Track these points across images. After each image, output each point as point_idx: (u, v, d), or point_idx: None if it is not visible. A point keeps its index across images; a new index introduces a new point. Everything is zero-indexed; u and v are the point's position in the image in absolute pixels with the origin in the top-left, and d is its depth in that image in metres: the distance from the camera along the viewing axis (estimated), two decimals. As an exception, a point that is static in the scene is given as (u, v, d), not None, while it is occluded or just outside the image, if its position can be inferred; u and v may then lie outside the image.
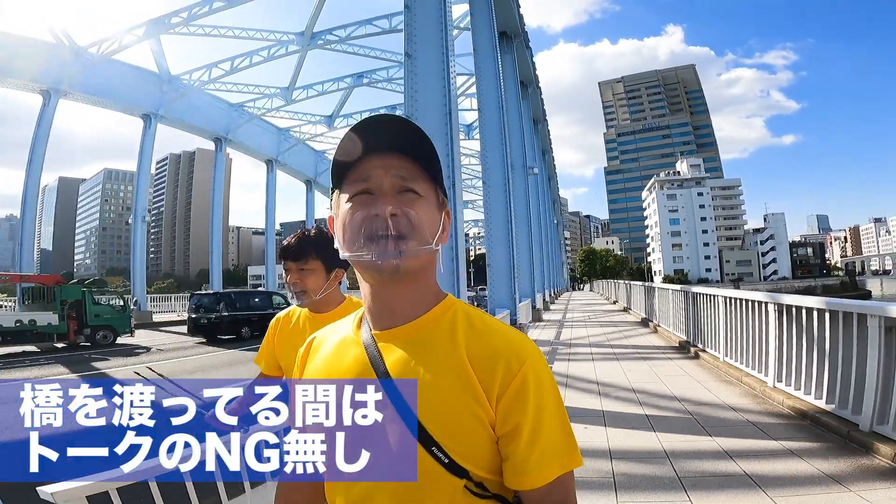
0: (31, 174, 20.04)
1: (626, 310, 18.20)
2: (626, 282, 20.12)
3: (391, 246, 0.74)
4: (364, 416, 0.77)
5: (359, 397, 0.78)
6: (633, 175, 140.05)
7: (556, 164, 48.05)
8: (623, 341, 10.18)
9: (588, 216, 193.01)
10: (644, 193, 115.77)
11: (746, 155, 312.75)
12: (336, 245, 0.81)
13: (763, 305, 5.22)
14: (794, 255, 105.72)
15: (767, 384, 5.02)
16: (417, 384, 0.76)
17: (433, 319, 0.80)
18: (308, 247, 1.75)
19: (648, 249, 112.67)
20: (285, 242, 1.80)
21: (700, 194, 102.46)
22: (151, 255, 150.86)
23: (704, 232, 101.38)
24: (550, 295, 27.59)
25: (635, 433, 4.22)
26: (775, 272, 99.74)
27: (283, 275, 1.84)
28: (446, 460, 0.74)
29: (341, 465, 0.79)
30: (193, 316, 15.41)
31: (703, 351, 7.41)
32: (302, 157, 36.83)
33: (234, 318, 14.99)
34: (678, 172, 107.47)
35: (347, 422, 0.78)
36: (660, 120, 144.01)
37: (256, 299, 16.80)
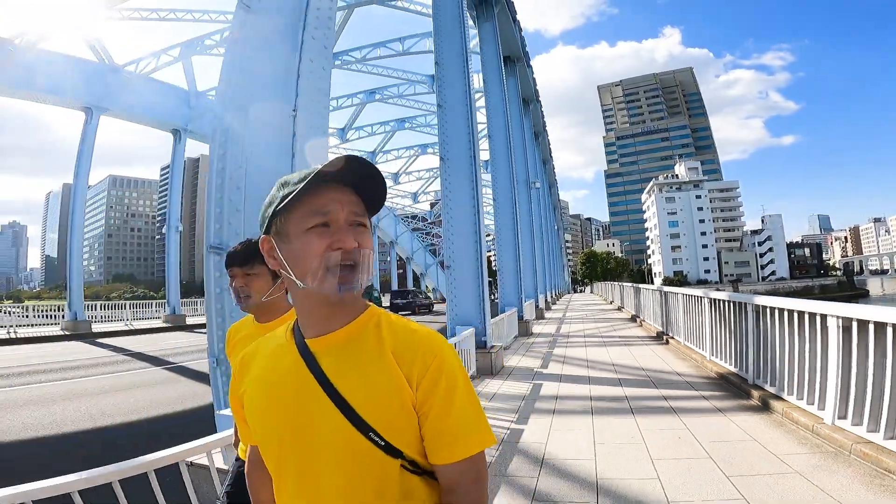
0: (79, 187, 21.94)
1: (619, 309, 20.11)
2: (620, 284, 22.04)
3: (351, 276, 0.84)
4: (306, 413, 0.86)
5: (300, 395, 0.88)
6: (633, 178, 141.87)
7: (557, 166, 49.99)
8: (612, 333, 12.12)
9: (589, 219, 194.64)
10: (643, 196, 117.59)
11: (746, 156, 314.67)
12: (282, 272, 0.89)
13: (701, 300, 7.17)
14: (792, 255, 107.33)
15: (706, 357, 6.95)
16: (349, 379, 0.86)
17: (360, 325, 0.90)
18: (255, 253, 1.74)
19: (649, 251, 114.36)
20: (231, 249, 1.82)
21: (698, 197, 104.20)
22: (158, 261, 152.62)
23: (703, 234, 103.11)
24: (552, 296, 29.51)
25: (608, 388, 6.16)
26: (773, 273, 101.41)
27: (230, 282, 1.84)
28: (382, 443, 0.84)
29: (288, 455, 0.89)
30: None
31: (672, 338, 9.33)
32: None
33: None
34: (676, 175, 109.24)
35: (292, 422, 0.88)
36: (658, 123, 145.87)
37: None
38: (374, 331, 0.90)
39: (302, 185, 0.83)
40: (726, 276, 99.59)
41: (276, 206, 0.86)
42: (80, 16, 18.80)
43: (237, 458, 1.85)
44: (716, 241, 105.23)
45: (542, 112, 32.90)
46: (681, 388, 5.95)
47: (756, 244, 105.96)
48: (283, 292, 1.80)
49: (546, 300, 22.94)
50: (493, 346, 7.73)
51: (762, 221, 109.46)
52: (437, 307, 34.87)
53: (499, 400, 5.87)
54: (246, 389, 0.96)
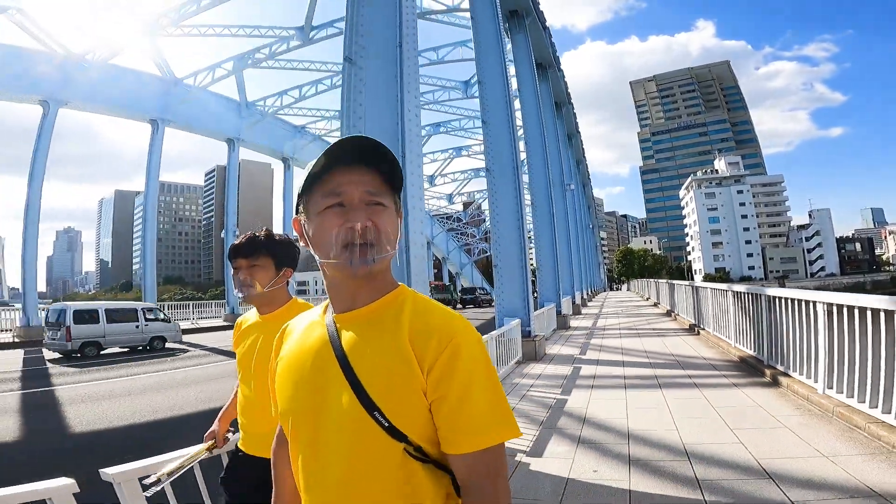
0: (150, 196, 23.97)
1: (655, 305, 20.65)
2: (656, 280, 22.51)
3: (364, 253, 0.86)
4: (322, 387, 0.89)
5: (319, 369, 0.90)
6: (670, 174, 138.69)
7: (589, 163, 50.27)
8: (647, 326, 12.90)
9: (625, 216, 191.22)
10: (682, 192, 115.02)
11: (792, 148, 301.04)
12: (310, 250, 0.92)
13: (726, 293, 7.97)
14: (842, 250, 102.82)
15: (731, 344, 7.75)
16: (364, 356, 0.86)
17: (385, 304, 0.90)
18: (258, 245, 1.82)
19: (688, 248, 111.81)
20: (236, 242, 1.86)
21: (740, 192, 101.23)
22: (205, 264, 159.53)
23: (746, 230, 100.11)
24: (588, 293, 30.10)
25: (640, 369, 7.10)
26: (822, 269, 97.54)
27: (234, 273, 1.88)
28: (386, 424, 0.82)
29: (301, 428, 0.91)
30: None
31: (703, 329, 10.09)
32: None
33: None
34: (716, 171, 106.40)
35: (309, 394, 0.90)
36: (695, 118, 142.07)
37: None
38: (397, 310, 0.89)
39: (315, 167, 0.88)
40: (772, 272, 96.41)
41: (300, 190, 0.92)
42: (147, 32, 20.32)
43: (235, 448, 1.94)
44: (760, 237, 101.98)
45: (574, 114, 33.50)
46: (705, 369, 6.82)
47: (803, 239, 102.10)
48: (284, 284, 1.88)
49: (582, 297, 23.64)
50: (536, 335, 8.75)
51: (810, 216, 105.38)
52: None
53: (544, 378, 6.90)
54: (279, 361, 1.00)
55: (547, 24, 22.30)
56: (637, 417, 4.77)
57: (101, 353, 13.30)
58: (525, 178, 21.80)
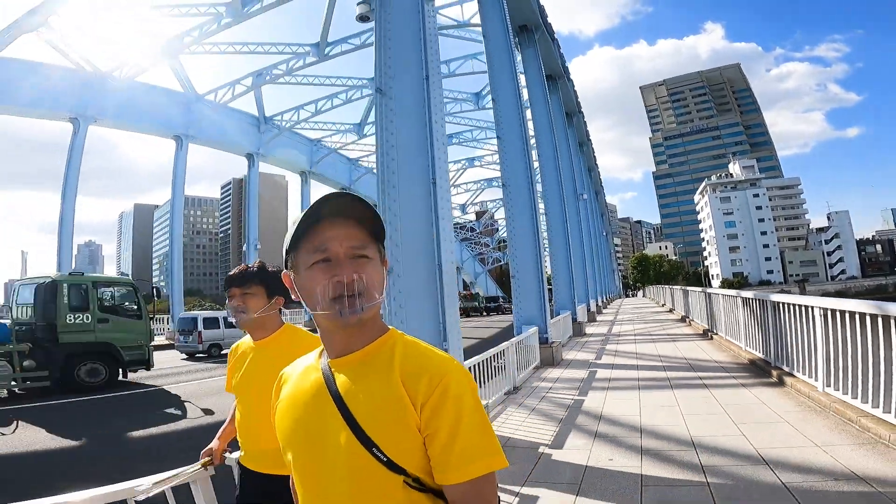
0: (175, 210, 24.68)
1: (671, 310, 20.84)
2: (671, 286, 22.69)
3: (353, 304, 0.91)
4: (321, 428, 0.94)
5: (316, 411, 0.95)
6: (684, 178, 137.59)
7: (602, 169, 50.47)
8: (661, 332, 13.20)
9: (639, 221, 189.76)
10: (696, 197, 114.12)
11: (808, 150, 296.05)
12: (302, 302, 0.97)
13: (735, 299, 8.32)
14: (863, 253, 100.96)
15: (742, 348, 8.10)
16: (359, 397, 0.92)
17: (377, 347, 0.96)
18: (251, 275, 1.98)
19: (705, 253, 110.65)
20: (230, 273, 2.02)
21: (756, 195, 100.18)
22: (222, 276, 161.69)
23: (763, 233, 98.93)
24: (603, 300, 30.30)
25: (653, 372, 7.49)
26: (843, 272, 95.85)
27: (227, 301, 1.99)
28: (385, 459, 0.88)
29: (302, 465, 0.97)
30: None
31: (716, 334, 10.40)
32: (370, 188, 40.96)
33: None
34: (730, 174, 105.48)
35: (308, 436, 0.96)
36: (708, 121, 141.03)
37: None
38: (388, 352, 0.95)
39: (300, 225, 0.93)
40: (791, 276, 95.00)
41: (286, 247, 0.96)
42: (171, 50, 20.93)
43: (238, 463, 2.04)
44: (778, 241, 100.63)
45: (584, 122, 33.92)
46: (715, 371, 7.19)
47: (823, 242, 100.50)
48: (277, 311, 2.01)
49: (597, 304, 23.90)
50: (553, 342, 9.17)
51: (828, 218, 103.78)
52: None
53: (561, 382, 7.33)
54: (278, 404, 1.05)
55: (555, 35, 22.82)
56: (649, 415, 5.19)
57: (221, 352, 15.76)
58: (538, 187, 22.30)
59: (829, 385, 4.91)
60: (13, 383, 9.42)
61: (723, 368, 7.33)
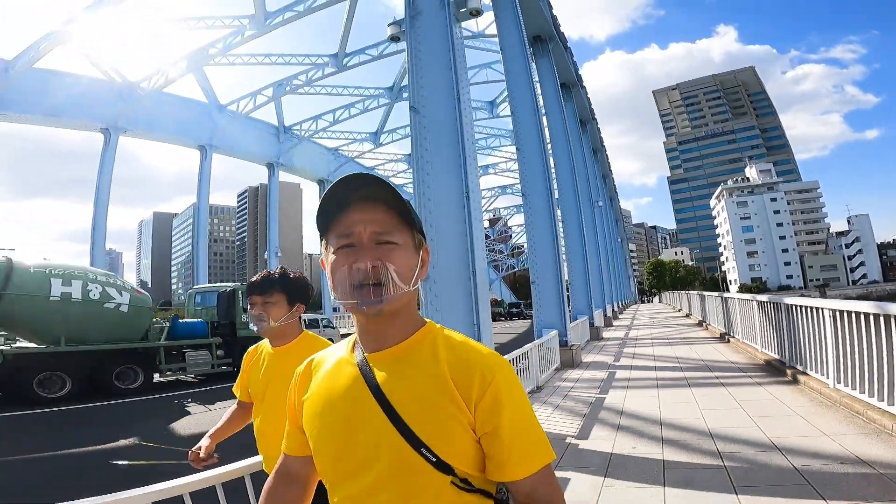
0: (201, 219, 25.51)
1: (687, 316, 20.96)
2: (687, 292, 22.79)
3: (372, 293, 0.87)
4: (361, 427, 0.89)
5: (354, 408, 0.91)
6: (700, 183, 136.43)
7: (616, 174, 50.61)
8: (677, 335, 13.44)
9: (654, 227, 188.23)
10: (712, 202, 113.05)
11: (827, 153, 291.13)
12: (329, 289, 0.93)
13: (751, 302, 8.60)
14: (884, 256, 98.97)
15: (758, 350, 8.36)
16: (403, 394, 0.88)
17: (416, 342, 0.92)
18: (272, 283, 1.97)
19: (722, 258, 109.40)
20: (252, 279, 2.00)
21: (773, 200, 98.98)
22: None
23: (782, 238, 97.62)
24: (619, 306, 30.41)
25: (671, 372, 7.81)
26: (864, 276, 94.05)
27: (249, 308, 2.02)
28: (434, 459, 0.85)
29: (340, 467, 0.92)
30: None
31: (733, 337, 10.64)
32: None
33: None
34: (747, 179, 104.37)
35: (347, 435, 0.91)
36: (723, 125, 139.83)
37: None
38: (431, 347, 0.92)
39: (322, 210, 0.91)
40: (811, 280, 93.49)
41: (320, 230, 0.94)
42: (197, 61, 21.43)
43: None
44: (797, 245, 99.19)
45: (598, 129, 34.21)
46: (731, 371, 7.49)
47: (843, 246, 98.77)
48: (296, 319, 2.01)
49: (613, 310, 24.08)
50: (572, 345, 9.52)
51: (848, 222, 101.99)
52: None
53: (582, 382, 7.68)
54: (307, 398, 1.00)
55: (568, 44, 23.19)
56: (668, 410, 5.53)
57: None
58: (554, 194, 22.64)
59: (839, 382, 5.21)
60: (211, 368, 12.82)
61: (739, 369, 7.62)
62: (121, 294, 11.43)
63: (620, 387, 7.09)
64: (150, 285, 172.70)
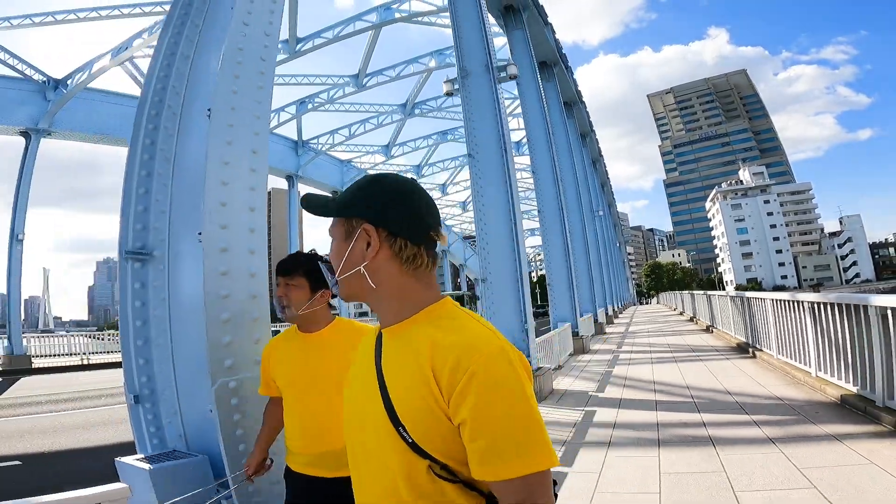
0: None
1: (681, 313, 23.11)
2: (680, 292, 24.95)
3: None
4: (365, 399, 0.93)
5: (365, 381, 0.94)
6: (695, 186, 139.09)
7: (612, 178, 52.72)
8: (670, 329, 15.60)
9: (651, 229, 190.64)
10: (707, 204, 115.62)
11: (821, 153, 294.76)
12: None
13: (724, 298, 10.72)
14: (876, 256, 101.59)
15: (732, 336, 10.48)
16: (394, 371, 0.89)
17: (416, 321, 0.91)
18: (297, 265, 1.89)
19: (718, 260, 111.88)
20: (283, 261, 1.92)
21: (767, 202, 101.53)
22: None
23: (776, 239, 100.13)
24: (618, 307, 32.57)
25: (663, 353, 9.94)
26: (857, 275, 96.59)
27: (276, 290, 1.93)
28: (410, 440, 0.83)
29: (350, 438, 0.97)
30: None
31: (715, 328, 12.77)
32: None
33: None
34: (740, 181, 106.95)
35: (355, 405, 0.96)
36: (717, 128, 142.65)
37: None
38: (427, 328, 0.89)
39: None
40: (805, 280, 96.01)
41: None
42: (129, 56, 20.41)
43: (292, 472, 1.87)
44: (791, 246, 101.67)
45: (596, 140, 36.45)
46: (709, 352, 9.62)
47: (836, 246, 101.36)
48: (325, 305, 1.91)
49: (613, 309, 26.22)
50: (583, 335, 11.61)
51: (840, 223, 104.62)
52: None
53: (593, 363, 9.79)
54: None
55: (569, 64, 25.20)
56: (659, 375, 7.63)
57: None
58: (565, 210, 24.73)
59: (781, 354, 7.30)
60: None
61: (715, 350, 9.75)
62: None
63: (623, 364, 9.19)
64: None
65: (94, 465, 5.42)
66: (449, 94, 9.55)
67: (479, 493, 0.85)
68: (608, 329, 17.90)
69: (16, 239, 19.93)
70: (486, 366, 0.81)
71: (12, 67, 19.13)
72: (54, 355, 21.22)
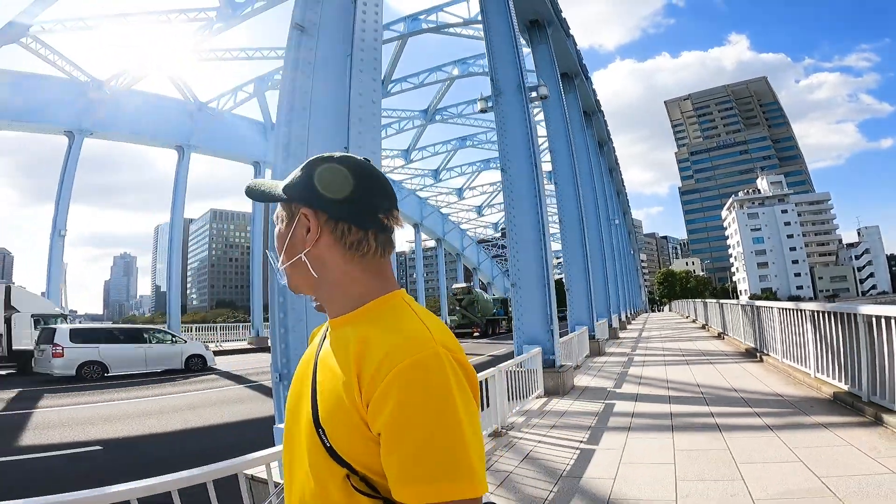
0: (175, 223, 24.35)
1: (693, 321, 23.61)
2: (693, 300, 25.43)
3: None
4: (301, 394, 0.86)
5: (305, 376, 0.88)
6: (711, 194, 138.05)
7: (627, 184, 53.01)
8: (682, 335, 16.21)
9: (665, 237, 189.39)
10: (723, 213, 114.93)
11: (842, 161, 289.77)
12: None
13: (734, 307, 11.34)
14: (894, 268, 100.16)
15: (742, 342, 11.11)
16: (324, 368, 0.82)
17: (359, 314, 0.83)
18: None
19: (733, 269, 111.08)
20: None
21: (784, 211, 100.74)
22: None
23: (792, 249, 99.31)
24: (631, 314, 33.07)
25: (675, 356, 10.61)
26: (874, 287, 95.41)
27: None
28: (327, 444, 0.75)
29: (286, 439, 0.90)
30: None
31: (727, 335, 13.37)
32: (411, 207, 43.84)
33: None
34: (758, 190, 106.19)
35: (292, 401, 0.89)
36: (735, 136, 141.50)
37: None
38: (365, 325, 0.81)
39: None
40: (821, 291, 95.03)
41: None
42: (168, 57, 19.99)
43: None
44: (808, 256, 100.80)
45: (613, 148, 36.99)
46: (719, 356, 10.28)
47: (853, 258, 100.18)
48: None
49: (627, 315, 26.78)
50: (598, 338, 12.31)
51: (858, 234, 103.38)
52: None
53: (609, 363, 10.49)
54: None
55: (589, 75, 25.71)
56: (672, 375, 8.33)
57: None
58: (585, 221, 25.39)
59: (786, 358, 7.95)
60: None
61: (725, 354, 10.39)
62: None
63: (638, 365, 9.89)
64: (165, 290, 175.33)
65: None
66: (483, 111, 10.32)
67: None
68: (622, 334, 18.52)
69: (58, 234, 20.72)
70: (412, 371, 0.71)
71: (60, 68, 19.31)
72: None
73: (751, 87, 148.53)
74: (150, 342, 14.44)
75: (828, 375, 6.00)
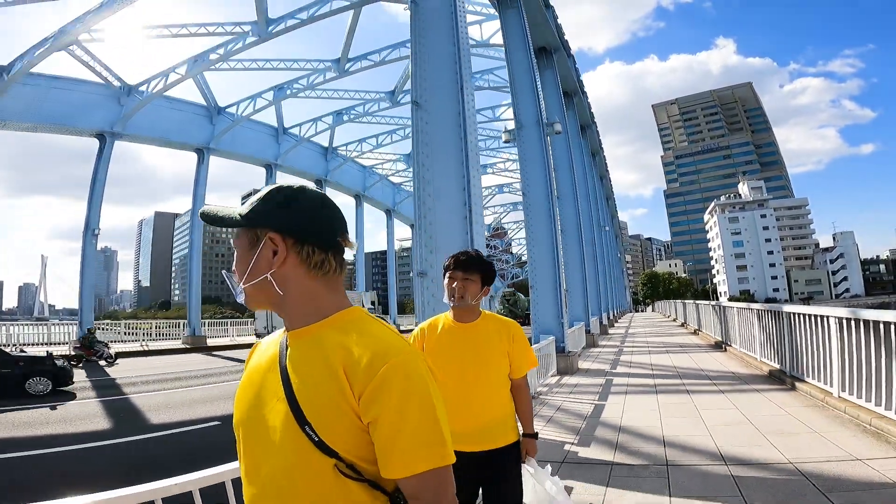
0: (195, 223, 25.70)
1: (674, 320, 26.01)
2: (674, 301, 27.83)
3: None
4: (265, 400, 0.96)
5: (267, 383, 0.97)
6: (695, 197, 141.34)
7: (613, 185, 55.57)
8: (664, 331, 18.51)
9: (649, 239, 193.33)
10: (706, 216, 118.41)
11: (822, 167, 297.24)
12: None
13: (707, 307, 13.58)
14: (867, 272, 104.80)
15: (711, 336, 13.33)
16: (301, 372, 0.93)
17: (324, 326, 0.96)
18: (475, 262, 2.14)
19: (713, 271, 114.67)
20: (459, 256, 2.17)
21: (763, 216, 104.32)
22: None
23: (770, 253, 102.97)
24: (616, 314, 35.52)
25: (657, 348, 12.80)
26: (847, 290, 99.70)
27: (447, 283, 2.17)
28: (316, 439, 0.87)
29: (247, 441, 0.98)
30: None
31: (700, 331, 15.63)
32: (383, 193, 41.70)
33: None
34: (739, 195, 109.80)
35: (256, 405, 0.97)
36: (719, 140, 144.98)
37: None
38: (336, 333, 0.94)
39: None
40: (796, 294, 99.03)
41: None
42: (197, 66, 20.54)
43: None
44: (785, 260, 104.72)
45: (604, 157, 39.32)
46: (693, 347, 12.52)
47: (828, 262, 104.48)
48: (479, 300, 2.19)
49: (613, 315, 29.13)
50: (593, 332, 14.46)
51: (833, 239, 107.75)
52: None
53: (603, 353, 12.63)
54: (242, 377, 1.08)
55: (571, 52, 26.26)
56: (654, 361, 10.48)
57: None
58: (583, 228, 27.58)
59: (742, 347, 10.10)
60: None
61: (698, 346, 12.62)
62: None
63: (627, 353, 12.05)
64: (147, 285, 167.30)
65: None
66: (507, 142, 12.30)
67: (382, 492, 0.91)
68: (610, 331, 20.78)
69: (91, 233, 21.81)
70: (400, 367, 0.88)
71: (96, 72, 20.05)
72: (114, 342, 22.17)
73: (736, 93, 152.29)
74: None
75: (767, 358, 8.17)
